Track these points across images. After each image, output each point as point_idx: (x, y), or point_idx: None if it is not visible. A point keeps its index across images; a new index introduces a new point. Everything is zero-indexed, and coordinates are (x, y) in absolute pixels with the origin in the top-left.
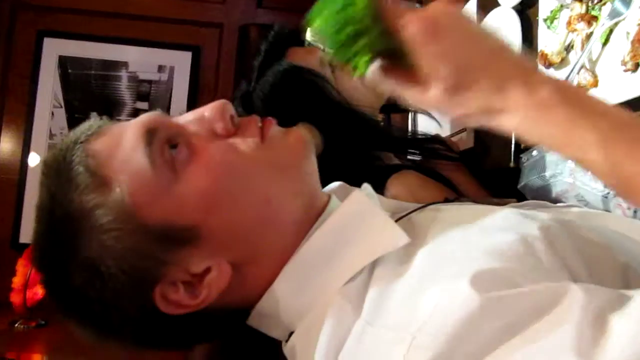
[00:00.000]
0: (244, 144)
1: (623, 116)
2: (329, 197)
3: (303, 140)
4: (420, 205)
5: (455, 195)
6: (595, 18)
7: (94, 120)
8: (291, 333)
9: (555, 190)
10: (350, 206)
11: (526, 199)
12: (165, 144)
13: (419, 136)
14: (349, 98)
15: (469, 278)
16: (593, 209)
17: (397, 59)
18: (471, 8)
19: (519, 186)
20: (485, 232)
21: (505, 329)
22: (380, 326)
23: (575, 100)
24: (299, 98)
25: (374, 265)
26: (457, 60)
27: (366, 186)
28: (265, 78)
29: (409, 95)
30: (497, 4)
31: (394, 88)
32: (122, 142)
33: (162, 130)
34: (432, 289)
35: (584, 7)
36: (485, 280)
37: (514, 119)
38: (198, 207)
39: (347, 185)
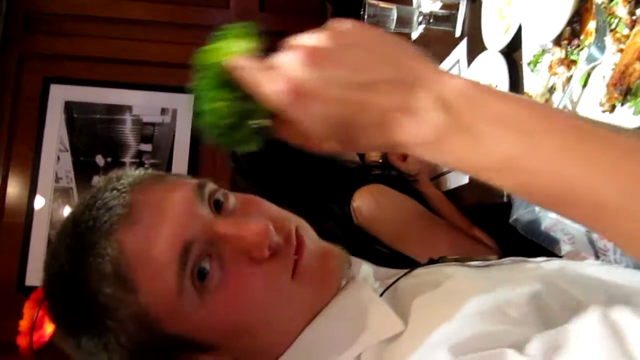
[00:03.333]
0: (276, 277)
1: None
2: None
3: (336, 273)
4: (404, 271)
5: (425, 206)
6: (574, 62)
7: (128, 180)
8: None
9: (544, 224)
10: (350, 295)
11: (517, 233)
12: (199, 260)
13: (372, 164)
14: None
15: (446, 348)
16: (578, 242)
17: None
18: (460, 51)
19: (510, 220)
20: (469, 305)
21: None
22: None
23: (472, 117)
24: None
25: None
26: (333, 116)
27: (364, 268)
28: None
29: (308, 147)
30: (485, 48)
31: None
32: (156, 251)
33: (199, 245)
34: None
35: (564, 51)
36: (460, 346)
37: (418, 150)
38: (218, 333)
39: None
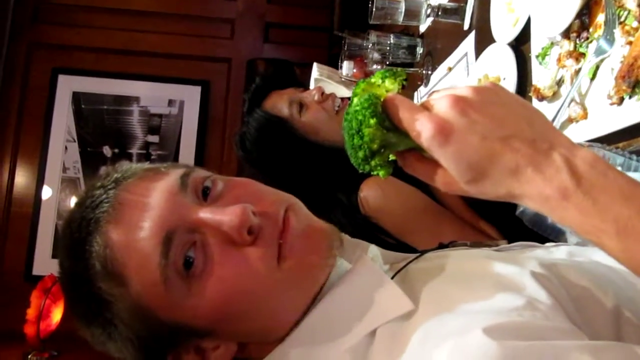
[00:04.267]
0: (260, 262)
1: None
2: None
3: (320, 252)
4: (415, 255)
5: (431, 197)
6: (582, 55)
7: (114, 176)
8: None
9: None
10: (359, 274)
11: (524, 225)
12: (182, 249)
13: None
14: (315, 132)
15: (481, 328)
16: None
17: (415, 153)
18: (469, 44)
19: (517, 213)
20: (484, 287)
21: None
22: None
23: (594, 185)
24: (271, 138)
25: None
26: (470, 157)
27: (372, 247)
28: (249, 124)
29: (434, 185)
30: (493, 40)
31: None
32: (140, 242)
33: (180, 234)
34: (440, 346)
35: (572, 44)
36: (499, 330)
37: (533, 204)
38: (209, 318)
39: (350, 239)
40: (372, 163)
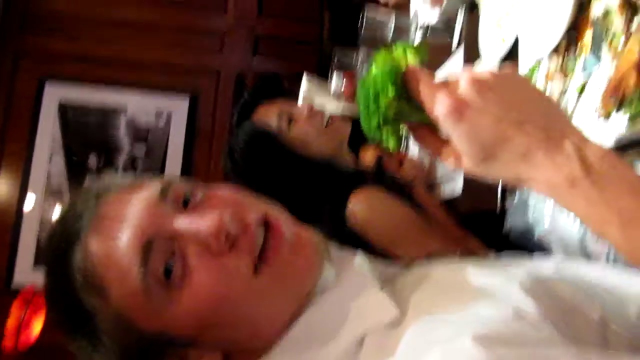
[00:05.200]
0: (237, 270)
1: None
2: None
3: (310, 262)
4: (403, 266)
5: (417, 211)
6: (570, 72)
7: (96, 189)
8: None
9: (538, 232)
10: (344, 282)
11: (510, 242)
12: (161, 258)
13: (368, 169)
14: (304, 146)
15: (470, 336)
16: (571, 249)
17: (427, 127)
18: (458, 60)
19: (504, 230)
20: (472, 298)
21: None
22: None
23: (603, 176)
24: (259, 150)
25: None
26: (482, 137)
27: (359, 255)
28: (237, 136)
29: (443, 160)
30: (481, 57)
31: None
32: (118, 252)
33: (159, 243)
34: (428, 353)
35: (560, 61)
36: (487, 339)
37: (540, 189)
38: (190, 326)
39: (338, 250)
40: (384, 131)
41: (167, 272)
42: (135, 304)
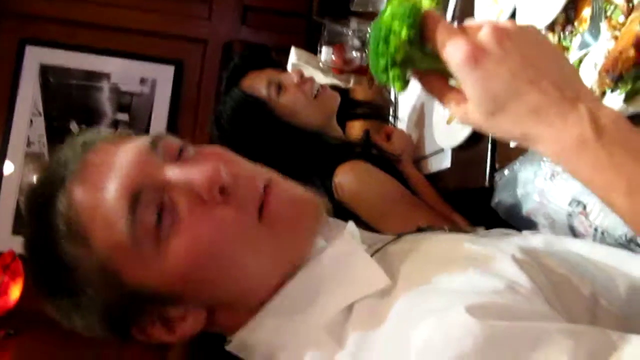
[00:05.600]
0: (233, 221)
1: None
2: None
3: (310, 218)
4: (394, 236)
5: (405, 187)
6: (566, 49)
7: (82, 140)
8: None
9: (526, 208)
10: (337, 248)
11: (497, 217)
12: (150, 208)
13: (355, 142)
14: (293, 114)
15: (464, 307)
16: (558, 226)
17: (436, 74)
18: None
19: (492, 204)
20: (465, 268)
21: None
22: None
23: (614, 141)
24: (247, 118)
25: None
26: (496, 88)
27: (350, 224)
28: (226, 103)
29: (449, 108)
30: None
31: (435, 98)
32: (105, 202)
33: (148, 193)
34: (420, 323)
35: (557, 37)
36: (481, 309)
37: (547, 149)
38: (178, 280)
39: (330, 220)
40: (391, 74)
41: (155, 223)
42: (121, 255)
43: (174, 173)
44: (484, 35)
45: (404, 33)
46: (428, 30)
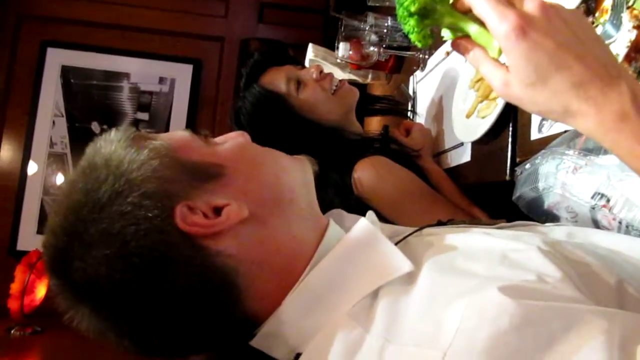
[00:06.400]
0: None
1: None
2: (328, 221)
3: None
4: (414, 229)
5: (425, 181)
6: None
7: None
8: (297, 355)
9: (547, 202)
10: (358, 234)
11: (518, 211)
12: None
13: (374, 137)
14: (312, 110)
15: (497, 288)
16: (581, 220)
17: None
18: None
19: (513, 198)
20: (490, 260)
21: (538, 341)
22: (401, 344)
23: None
24: (267, 113)
25: (377, 287)
26: (542, 59)
27: (370, 213)
28: (245, 99)
29: (488, 79)
30: None
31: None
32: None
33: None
34: (453, 303)
35: None
36: (514, 290)
37: (587, 123)
38: (227, 156)
39: (344, 212)
40: (407, 25)
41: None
42: (180, 139)
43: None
44: (532, 8)
45: None
46: None
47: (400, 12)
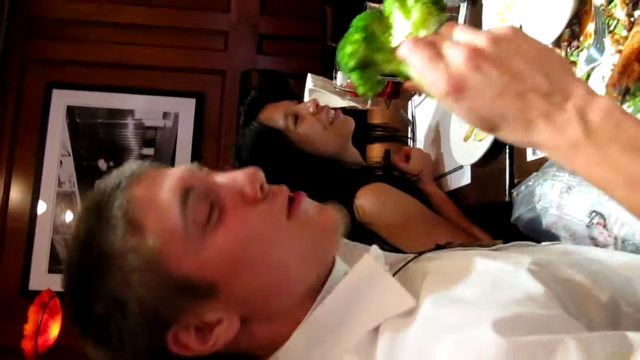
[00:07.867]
0: (271, 216)
1: None
2: (334, 258)
3: (333, 223)
4: (413, 255)
5: (427, 205)
6: (573, 63)
7: (136, 165)
8: None
9: (545, 222)
10: (361, 272)
11: (519, 231)
12: (201, 203)
13: (374, 165)
14: (311, 143)
15: (484, 321)
16: (579, 238)
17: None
18: None
19: (512, 219)
20: (482, 283)
21: None
22: None
23: (605, 137)
24: (267, 149)
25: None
26: (484, 112)
27: (375, 248)
28: (245, 136)
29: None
30: None
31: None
32: (160, 195)
33: (198, 189)
34: (442, 338)
35: (563, 53)
36: (508, 324)
37: (547, 152)
38: (220, 268)
39: (349, 243)
40: (352, 79)
41: (207, 215)
42: (171, 241)
43: (219, 177)
44: (461, 64)
45: (355, 38)
46: (407, 57)
47: (342, 68)
